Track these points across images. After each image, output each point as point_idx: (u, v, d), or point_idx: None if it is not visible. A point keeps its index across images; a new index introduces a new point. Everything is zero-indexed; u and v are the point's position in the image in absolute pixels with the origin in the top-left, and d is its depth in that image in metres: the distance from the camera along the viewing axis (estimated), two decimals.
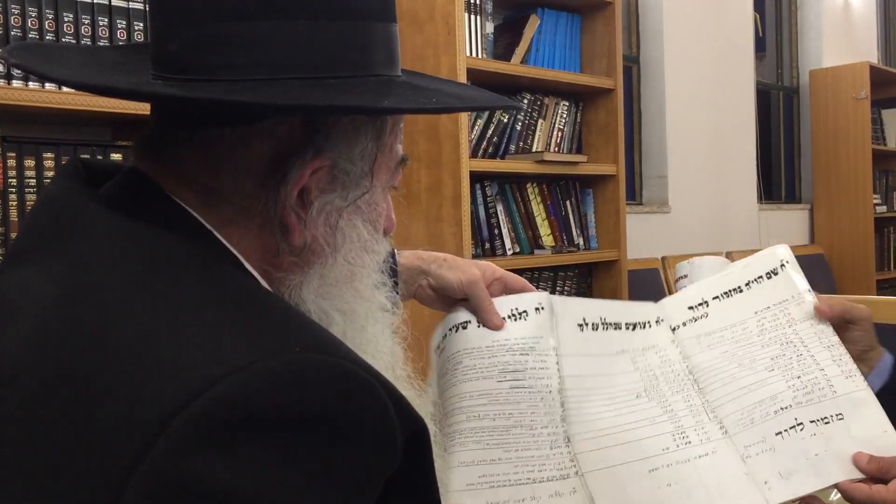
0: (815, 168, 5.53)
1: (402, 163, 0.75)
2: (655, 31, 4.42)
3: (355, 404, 0.55)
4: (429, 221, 2.74)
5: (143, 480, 0.48)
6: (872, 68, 5.32)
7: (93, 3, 1.95)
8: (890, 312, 1.94)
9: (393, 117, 0.71)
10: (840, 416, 0.93)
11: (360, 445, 0.55)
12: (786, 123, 5.71)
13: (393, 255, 0.96)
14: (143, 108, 1.77)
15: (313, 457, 0.52)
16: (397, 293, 0.83)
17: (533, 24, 3.14)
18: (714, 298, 1.04)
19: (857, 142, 5.31)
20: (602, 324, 1.02)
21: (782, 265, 1.04)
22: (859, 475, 0.91)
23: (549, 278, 3.21)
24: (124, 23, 2.00)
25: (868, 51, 6.03)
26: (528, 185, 3.16)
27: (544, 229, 3.18)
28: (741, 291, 1.04)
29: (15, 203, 1.88)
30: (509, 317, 0.98)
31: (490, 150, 3.00)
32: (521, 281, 1.02)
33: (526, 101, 3.11)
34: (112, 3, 1.98)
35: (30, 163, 1.90)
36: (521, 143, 3.09)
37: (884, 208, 5.57)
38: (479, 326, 0.98)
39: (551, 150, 3.18)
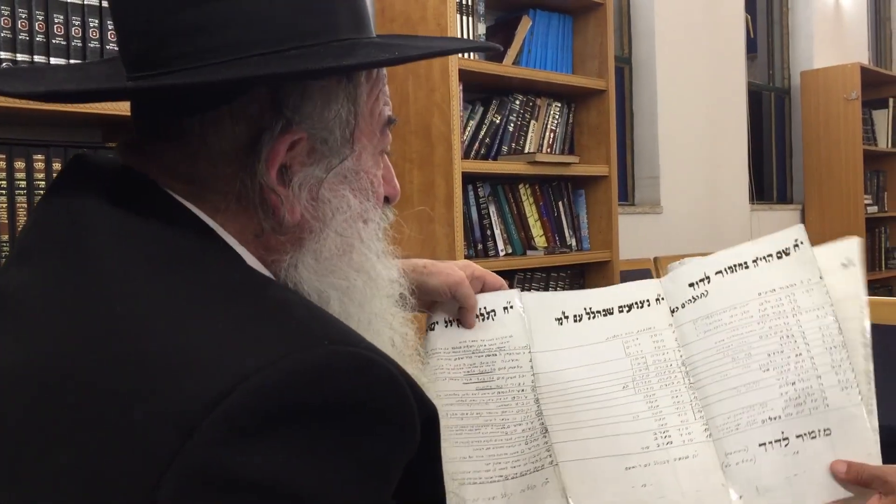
0: (806, 168, 5.54)
1: (390, 124, 0.73)
2: (647, 32, 4.42)
3: (382, 393, 0.56)
4: (421, 222, 2.74)
5: (179, 476, 0.48)
6: (863, 69, 5.34)
7: (83, 5, 1.95)
8: (883, 313, 1.94)
9: (370, 79, 0.70)
10: (827, 432, 0.90)
11: (388, 432, 0.56)
12: (777, 124, 5.73)
13: None
14: None
15: (346, 445, 0.53)
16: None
17: (525, 25, 3.14)
18: (717, 273, 0.97)
19: (848, 142, 5.33)
20: (587, 314, 0.99)
21: (796, 245, 0.96)
22: (833, 499, 0.89)
23: (541, 279, 3.21)
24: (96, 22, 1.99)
25: (859, 52, 6.05)
26: (521, 185, 3.16)
27: (537, 230, 3.18)
28: (747, 268, 0.96)
29: (5, 205, 1.87)
30: (477, 317, 0.98)
31: (482, 151, 3.01)
32: (499, 280, 1.01)
33: (518, 102, 3.11)
34: (102, 4, 1.97)
35: (20, 164, 1.89)
36: (514, 144, 3.10)
37: (875, 208, 5.59)
38: (446, 327, 0.98)
39: (543, 151, 3.18)
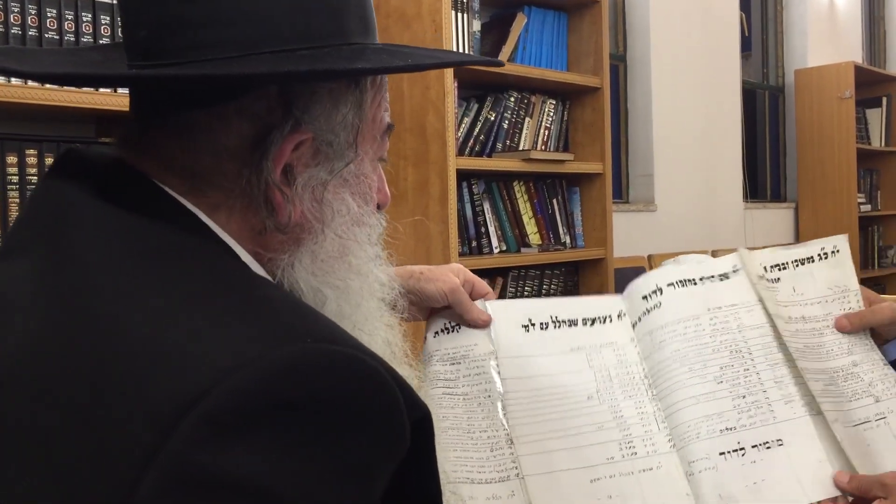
0: (800, 167, 5.56)
1: (389, 130, 0.73)
2: (642, 29, 4.43)
3: (367, 393, 0.55)
4: (415, 220, 2.73)
5: (158, 476, 0.48)
6: (857, 68, 5.36)
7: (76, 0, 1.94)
8: None
9: (374, 85, 0.70)
10: (780, 443, 0.94)
11: (373, 433, 0.55)
12: (771, 122, 5.74)
13: None
14: (128, 104, 1.74)
15: (328, 445, 0.53)
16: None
17: (520, 22, 3.14)
18: (669, 285, 1.02)
19: (842, 141, 5.34)
20: (553, 322, 1.00)
21: (735, 271, 1.03)
22: None
23: (535, 276, 3.21)
24: (108, 18, 1.99)
25: (853, 51, 6.07)
26: (515, 183, 3.16)
27: (531, 227, 3.18)
28: (695, 284, 1.02)
29: None
30: (443, 330, 0.99)
31: (477, 148, 3.00)
32: (486, 287, 1.02)
33: (513, 99, 3.11)
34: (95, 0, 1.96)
35: (12, 159, 1.88)
36: (508, 142, 3.09)
37: (868, 207, 5.61)
38: (434, 336, 0.98)
39: (538, 148, 3.18)
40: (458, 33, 2.87)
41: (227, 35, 0.61)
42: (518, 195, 3.16)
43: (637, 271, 4.06)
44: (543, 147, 3.21)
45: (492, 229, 3.03)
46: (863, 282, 1.04)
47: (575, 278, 3.38)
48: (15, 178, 1.88)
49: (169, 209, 0.63)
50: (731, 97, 4.96)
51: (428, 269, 0.99)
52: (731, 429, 0.94)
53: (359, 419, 0.54)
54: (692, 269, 1.03)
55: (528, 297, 3.08)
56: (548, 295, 3.19)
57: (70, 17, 1.93)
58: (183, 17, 0.61)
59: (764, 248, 1.07)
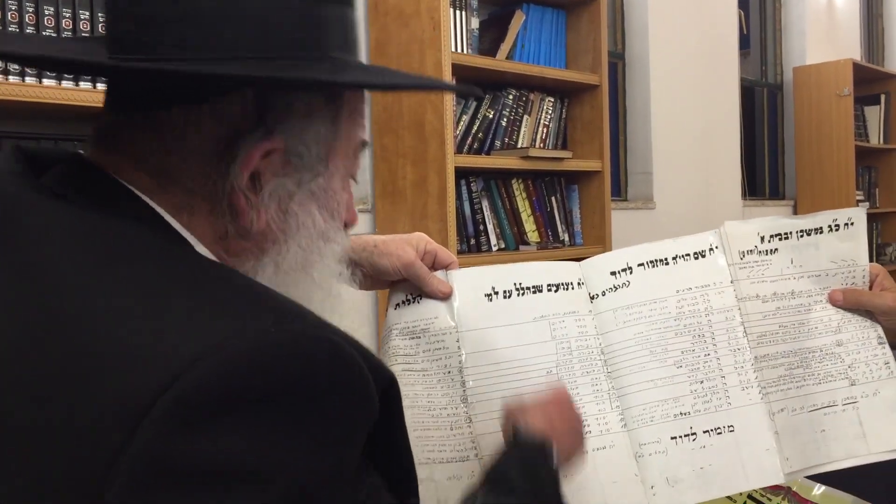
0: (798, 164, 5.56)
1: (362, 148, 0.73)
2: (641, 27, 4.42)
3: (330, 367, 0.56)
4: (414, 217, 2.73)
5: (129, 470, 0.48)
6: (855, 65, 5.35)
7: None
8: None
9: (350, 103, 0.70)
10: (731, 429, 0.95)
11: (340, 405, 0.56)
12: (770, 120, 5.74)
13: None
14: None
15: (296, 422, 0.53)
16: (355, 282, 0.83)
17: (518, 19, 3.13)
18: (639, 265, 1.01)
19: (841, 138, 5.34)
20: (517, 289, 0.99)
21: (711, 249, 1.02)
22: (738, 490, 0.95)
23: None
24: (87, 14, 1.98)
25: (851, 48, 6.06)
26: (514, 181, 3.16)
27: (529, 225, 3.18)
28: (667, 264, 1.01)
29: None
30: (404, 301, 0.98)
31: (475, 146, 3.00)
32: (450, 256, 1.00)
33: (511, 96, 3.10)
34: None
35: None
36: (507, 139, 3.09)
37: (867, 204, 5.61)
38: (395, 308, 0.97)
39: (537, 146, 3.18)
40: (457, 31, 2.87)
41: (208, 36, 0.61)
42: (517, 193, 3.15)
43: None
44: (542, 145, 3.21)
45: (490, 227, 3.03)
46: None
47: None
48: None
49: (126, 205, 0.63)
50: (730, 95, 4.96)
51: (383, 242, 0.97)
52: (685, 413, 0.95)
53: (325, 394, 0.55)
54: (666, 247, 1.02)
55: None
56: None
57: (67, 15, 1.93)
58: (166, 14, 0.61)
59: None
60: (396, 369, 0.94)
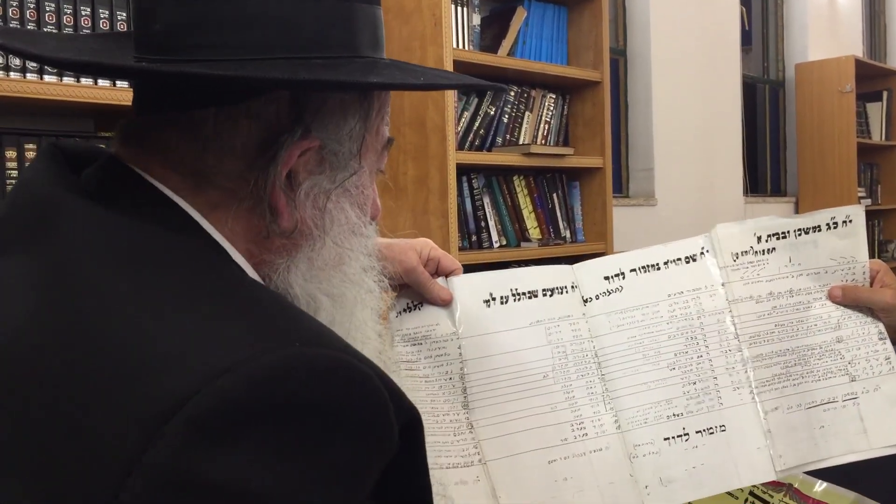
0: (800, 161, 5.55)
1: (389, 144, 0.74)
2: (642, 23, 4.42)
3: (354, 396, 0.55)
4: (415, 214, 2.73)
5: (144, 479, 0.47)
6: (857, 62, 5.35)
7: None
8: None
9: (379, 99, 0.70)
10: (723, 429, 0.97)
11: (360, 435, 0.55)
12: (771, 117, 5.73)
13: None
14: (127, 99, 1.75)
15: (315, 449, 0.52)
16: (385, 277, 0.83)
17: (520, 16, 3.13)
18: (631, 271, 1.02)
19: (842, 135, 5.33)
20: (514, 295, 1.00)
21: (702, 253, 1.03)
22: (730, 488, 0.97)
23: None
24: (107, 12, 1.98)
25: (853, 45, 6.05)
26: (515, 177, 3.15)
27: (531, 222, 3.17)
28: (659, 269, 1.03)
29: None
30: (406, 308, 0.99)
31: (477, 142, 3.00)
32: (454, 263, 1.01)
33: (513, 93, 3.10)
34: None
35: (11, 154, 1.88)
36: (508, 136, 3.09)
37: (868, 201, 5.61)
38: (397, 315, 0.98)
39: (538, 142, 3.17)
40: (458, 27, 2.87)
41: (243, 37, 0.61)
42: (518, 189, 3.15)
43: None
44: (543, 141, 3.21)
45: (492, 224, 3.03)
46: None
47: None
48: (14, 173, 1.88)
49: (160, 209, 0.63)
50: (732, 91, 4.95)
51: (387, 246, 0.97)
52: (678, 415, 0.97)
53: (346, 423, 0.54)
54: (658, 252, 1.04)
55: None
56: None
57: (69, 11, 1.93)
58: (200, 15, 0.61)
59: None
60: (399, 375, 0.95)
